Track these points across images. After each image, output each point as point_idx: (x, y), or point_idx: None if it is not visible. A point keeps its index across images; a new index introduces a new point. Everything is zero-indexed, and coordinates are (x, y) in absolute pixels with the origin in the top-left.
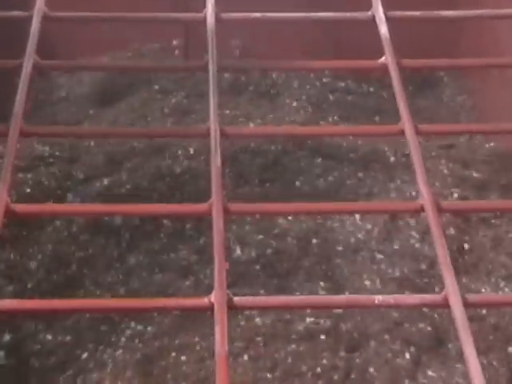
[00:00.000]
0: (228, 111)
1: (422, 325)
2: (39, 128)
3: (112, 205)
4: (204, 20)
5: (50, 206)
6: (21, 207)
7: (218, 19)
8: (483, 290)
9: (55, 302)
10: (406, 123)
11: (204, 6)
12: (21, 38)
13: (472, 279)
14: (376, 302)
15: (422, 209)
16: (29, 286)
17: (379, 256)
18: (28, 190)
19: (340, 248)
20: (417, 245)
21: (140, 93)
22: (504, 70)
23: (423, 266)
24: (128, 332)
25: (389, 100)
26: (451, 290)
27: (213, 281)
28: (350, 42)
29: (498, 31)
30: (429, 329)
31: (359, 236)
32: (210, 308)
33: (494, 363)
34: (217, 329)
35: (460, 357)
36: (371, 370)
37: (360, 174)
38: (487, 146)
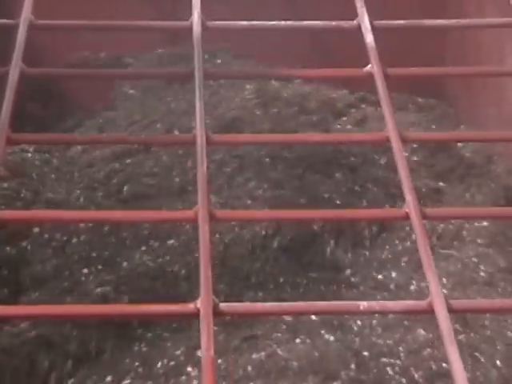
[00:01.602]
0: None
1: None
2: (26, 135)
3: (97, 211)
4: (190, 28)
5: (40, 213)
6: (9, 214)
7: (204, 27)
8: None
9: (36, 308)
10: (391, 131)
11: (190, 14)
12: (7, 47)
13: None
14: (361, 308)
15: (407, 216)
16: None
17: None
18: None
19: None
20: None
21: None
22: (488, 78)
23: None
24: None
25: None
26: (436, 296)
27: None
28: (336, 49)
29: (481, 40)
30: None
31: None
32: (196, 314)
33: None
34: (203, 334)
35: None
36: None
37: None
38: None
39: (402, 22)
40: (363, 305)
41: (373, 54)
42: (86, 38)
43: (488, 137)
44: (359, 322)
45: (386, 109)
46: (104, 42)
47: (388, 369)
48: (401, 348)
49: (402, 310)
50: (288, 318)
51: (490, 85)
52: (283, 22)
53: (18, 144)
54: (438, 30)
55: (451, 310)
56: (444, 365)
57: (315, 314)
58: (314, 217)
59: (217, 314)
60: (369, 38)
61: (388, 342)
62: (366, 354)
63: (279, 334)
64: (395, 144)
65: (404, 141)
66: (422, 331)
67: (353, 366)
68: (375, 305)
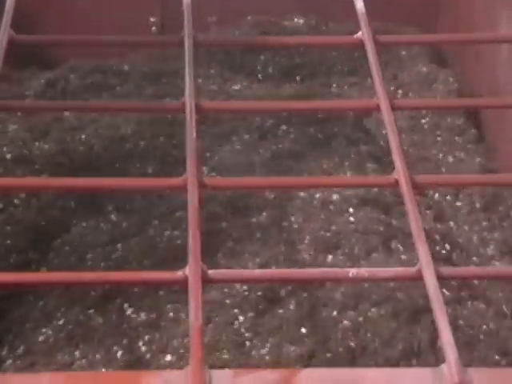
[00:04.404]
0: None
1: None
2: (12, 102)
3: (82, 179)
4: None
5: (21, 180)
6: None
7: None
8: None
9: (25, 276)
10: (382, 98)
11: None
12: None
13: None
14: (350, 275)
15: (397, 183)
16: None
17: None
18: None
19: None
20: None
21: None
22: (480, 45)
23: None
24: None
25: None
26: (425, 263)
27: None
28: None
29: (474, 6)
30: None
31: None
32: (185, 281)
33: None
34: (191, 302)
35: None
36: None
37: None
38: None
39: None
40: (352, 272)
41: (363, 21)
42: (74, 4)
43: (480, 103)
44: None
45: (375, 75)
46: (92, 9)
47: None
48: None
49: (392, 277)
50: None
51: (483, 52)
52: None
53: (5, 111)
54: None
55: (440, 277)
56: None
57: (305, 282)
58: (302, 184)
59: (205, 281)
60: (359, 4)
61: None
62: None
63: None
64: (385, 111)
65: (394, 108)
66: None
67: None
68: (364, 271)
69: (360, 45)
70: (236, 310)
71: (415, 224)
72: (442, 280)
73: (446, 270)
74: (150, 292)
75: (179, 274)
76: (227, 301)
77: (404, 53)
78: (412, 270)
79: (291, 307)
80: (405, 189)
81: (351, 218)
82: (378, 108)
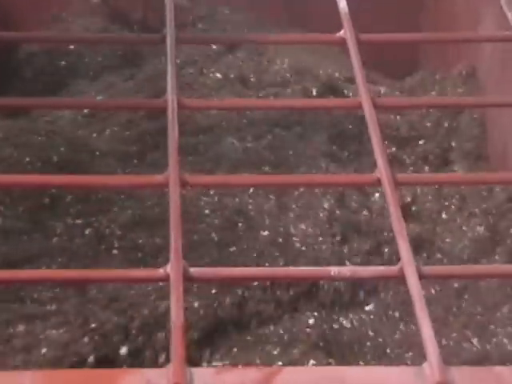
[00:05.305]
0: None
1: None
2: (6, 100)
3: (57, 176)
4: None
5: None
6: None
7: None
8: None
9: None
10: (364, 96)
11: None
12: None
13: None
14: (332, 273)
15: (379, 182)
16: None
17: None
18: None
19: None
20: None
21: None
22: (461, 45)
23: None
24: None
25: None
26: (406, 262)
27: None
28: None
29: (456, 5)
30: None
31: None
32: (166, 279)
33: None
34: (172, 300)
35: None
36: None
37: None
38: None
39: None
40: (334, 270)
41: (346, 20)
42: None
43: (460, 102)
44: None
45: (358, 74)
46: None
47: None
48: None
49: (373, 276)
50: None
51: (464, 52)
52: None
53: None
54: None
55: (422, 276)
56: None
57: (287, 279)
58: (287, 182)
59: (187, 279)
60: (342, 4)
61: None
62: None
63: None
64: (367, 110)
65: (376, 106)
66: None
67: None
68: (346, 270)
69: (342, 43)
70: None
71: (397, 222)
72: (423, 279)
73: (428, 269)
74: None
75: (160, 271)
76: None
77: None
78: (394, 268)
79: None
80: (387, 187)
81: None
82: (360, 106)
